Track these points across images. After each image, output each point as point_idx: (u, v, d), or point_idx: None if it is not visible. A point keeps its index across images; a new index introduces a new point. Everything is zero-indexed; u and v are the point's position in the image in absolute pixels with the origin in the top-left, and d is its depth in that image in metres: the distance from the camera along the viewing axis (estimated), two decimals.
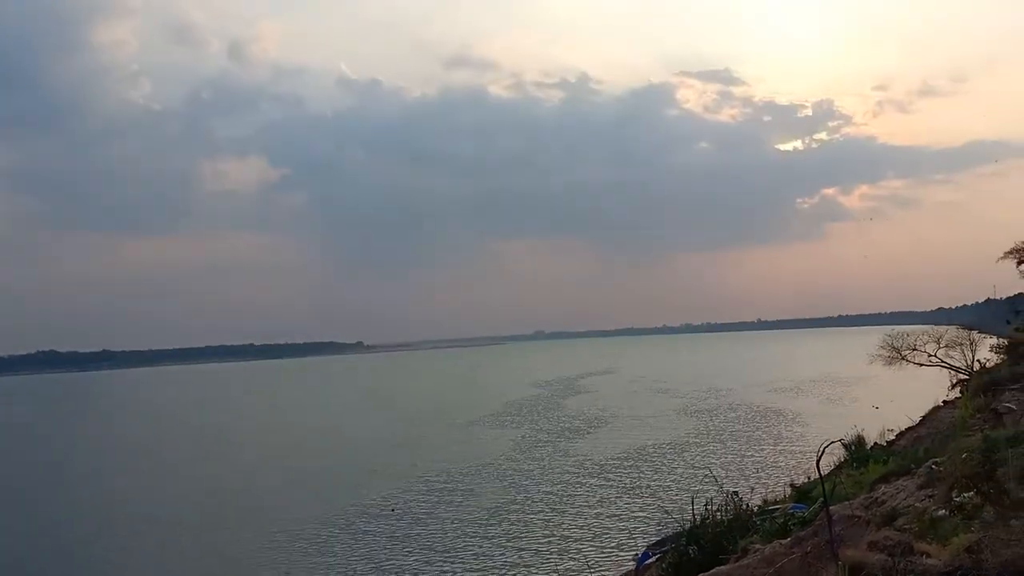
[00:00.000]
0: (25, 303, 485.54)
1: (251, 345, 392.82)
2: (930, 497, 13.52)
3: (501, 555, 26.65)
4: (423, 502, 35.37)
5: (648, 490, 34.98)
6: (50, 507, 40.11)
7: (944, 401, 45.34)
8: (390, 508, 34.44)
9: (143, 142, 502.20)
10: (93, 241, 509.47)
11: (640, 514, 30.60)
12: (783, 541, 14.23)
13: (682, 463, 41.13)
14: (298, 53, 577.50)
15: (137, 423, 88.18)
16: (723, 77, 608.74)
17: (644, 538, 25.38)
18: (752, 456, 41.76)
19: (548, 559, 25.86)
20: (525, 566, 25.43)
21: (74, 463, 57.36)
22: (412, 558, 26.98)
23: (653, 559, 19.54)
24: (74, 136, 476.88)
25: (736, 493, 19.99)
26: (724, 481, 27.86)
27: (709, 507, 18.75)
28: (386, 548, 28.31)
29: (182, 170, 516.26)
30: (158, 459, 56.12)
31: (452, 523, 31.26)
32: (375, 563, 26.80)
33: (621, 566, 23.55)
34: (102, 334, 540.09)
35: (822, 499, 14.17)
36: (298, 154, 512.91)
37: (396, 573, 25.69)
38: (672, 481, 36.50)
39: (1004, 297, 77.26)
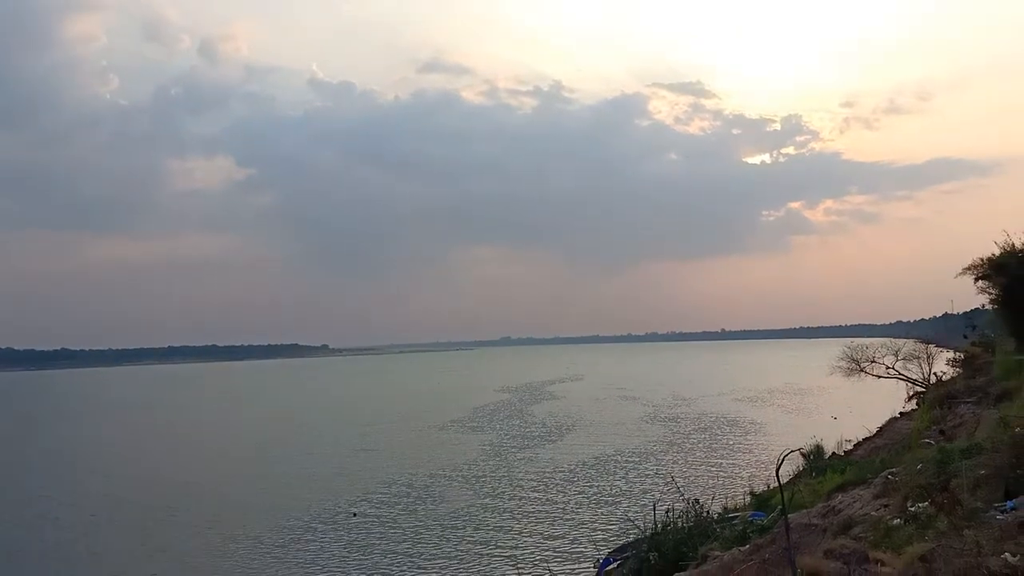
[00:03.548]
0: None
1: (214, 346, 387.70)
2: (885, 507, 13.75)
3: (462, 561, 26.51)
4: (386, 507, 35.09)
5: (611, 497, 35.11)
6: None
7: (901, 412, 46.33)
8: (352, 512, 34.11)
9: (108, 139, 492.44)
10: (55, 238, 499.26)
11: (602, 521, 30.68)
12: (742, 548, 14.40)
13: (645, 470, 41.38)
14: (270, 53, 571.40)
15: (81, 422, 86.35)
16: (694, 89, 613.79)
17: (606, 544, 25.47)
18: (713, 464, 42.14)
19: (509, 565, 25.78)
20: (486, 573, 25.32)
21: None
22: (372, 564, 26.70)
23: (614, 565, 19.64)
24: (39, 132, 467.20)
25: (697, 501, 20.19)
26: (686, 489, 28.08)
27: (671, 514, 18.91)
28: (345, 553, 27.98)
29: (147, 168, 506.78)
30: (103, 459, 54.91)
31: (413, 529, 31.02)
32: (333, 568, 26.49)
33: (582, 573, 23.57)
34: (62, 333, 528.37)
35: (781, 507, 14.33)
36: (266, 154, 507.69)
37: None
38: (635, 488, 36.66)
39: (961, 312, 79.22)
